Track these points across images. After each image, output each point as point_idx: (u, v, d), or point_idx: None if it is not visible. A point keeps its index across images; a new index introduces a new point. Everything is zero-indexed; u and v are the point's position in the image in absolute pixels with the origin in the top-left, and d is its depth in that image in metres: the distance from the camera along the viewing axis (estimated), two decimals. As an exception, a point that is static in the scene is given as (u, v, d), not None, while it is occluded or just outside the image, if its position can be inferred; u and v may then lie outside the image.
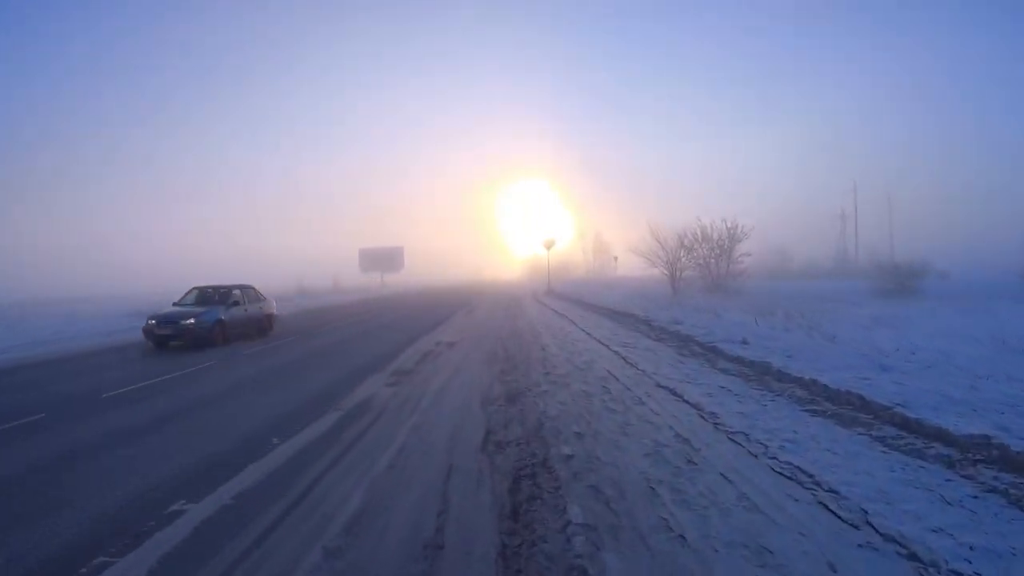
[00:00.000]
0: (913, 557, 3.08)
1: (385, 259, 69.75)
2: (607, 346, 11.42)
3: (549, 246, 30.78)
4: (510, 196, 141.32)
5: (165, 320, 13.16)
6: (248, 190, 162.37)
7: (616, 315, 17.67)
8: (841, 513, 3.57)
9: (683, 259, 29.17)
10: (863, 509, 3.60)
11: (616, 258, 46.03)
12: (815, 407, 5.99)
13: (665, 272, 29.68)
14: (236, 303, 14.70)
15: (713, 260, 28.66)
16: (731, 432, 5.24)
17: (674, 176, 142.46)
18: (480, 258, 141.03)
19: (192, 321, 13.08)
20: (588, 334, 13.48)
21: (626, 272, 65.87)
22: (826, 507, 3.66)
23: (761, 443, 4.89)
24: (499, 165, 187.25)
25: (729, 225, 28.29)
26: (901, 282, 25.72)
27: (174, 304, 14.88)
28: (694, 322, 14.14)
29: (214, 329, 13.33)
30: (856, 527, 3.41)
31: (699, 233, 28.97)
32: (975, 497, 3.75)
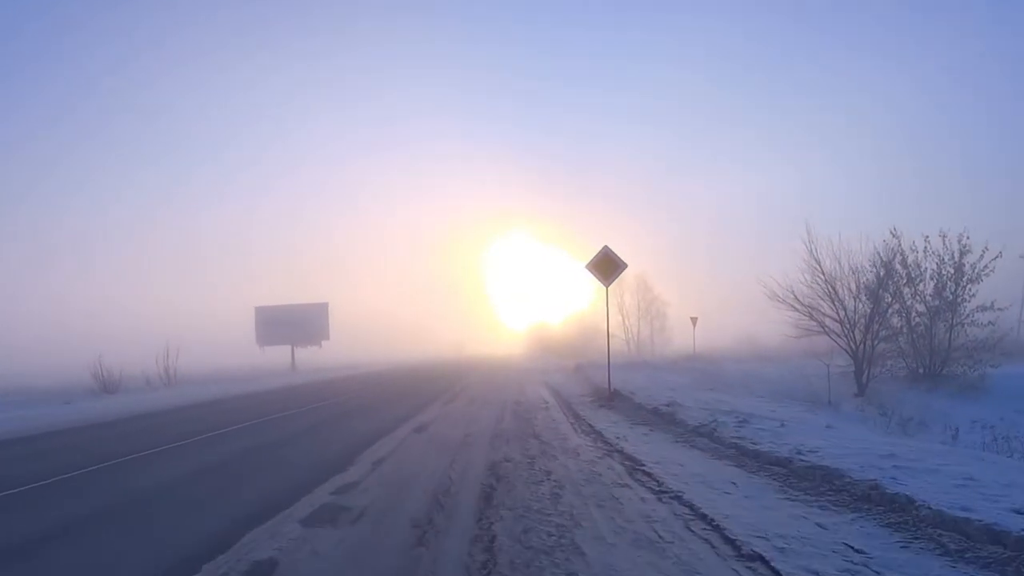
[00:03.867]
0: None
1: (296, 324, 46.47)
2: None
3: (604, 269, 13.05)
4: (500, 251, 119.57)
5: None
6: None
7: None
8: None
9: (876, 320, 16.48)
10: None
11: (695, 318, 31.85)
12: None
13: (841, 343, 16.92)
14: None
15: (926, 319, 15.49)
16: None
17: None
18: (461, 329, 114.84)
19: None
20: None
21: (684, 341, 48.70)
22: None
23: None
24: (480, 214, 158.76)
25: (954, 247, 15.38)
26: None
27: None
28: None
29: None
30: None
31: (901, 264, 16.50)
32: None
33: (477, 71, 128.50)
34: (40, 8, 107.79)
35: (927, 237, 20.58)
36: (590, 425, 9.89)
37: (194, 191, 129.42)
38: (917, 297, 20.87)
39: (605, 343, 59.27)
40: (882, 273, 19.41)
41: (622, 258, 12.91)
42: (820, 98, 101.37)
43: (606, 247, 13.13)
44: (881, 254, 20.32)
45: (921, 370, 20.88)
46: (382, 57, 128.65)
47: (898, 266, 20.18)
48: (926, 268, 20.48)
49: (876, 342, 20.02)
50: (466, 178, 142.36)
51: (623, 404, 12.16)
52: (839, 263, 19.90)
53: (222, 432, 10.60)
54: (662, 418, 9.93)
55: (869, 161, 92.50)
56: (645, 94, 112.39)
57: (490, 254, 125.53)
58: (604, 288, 13.17)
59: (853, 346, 19.99)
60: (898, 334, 20.75)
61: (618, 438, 8.41)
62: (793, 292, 19.84)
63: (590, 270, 13.02)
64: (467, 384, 21.27)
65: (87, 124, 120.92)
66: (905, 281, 20.12)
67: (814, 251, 20.08)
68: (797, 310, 19.87)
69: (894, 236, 20.51)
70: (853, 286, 20.15)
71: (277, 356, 48.61)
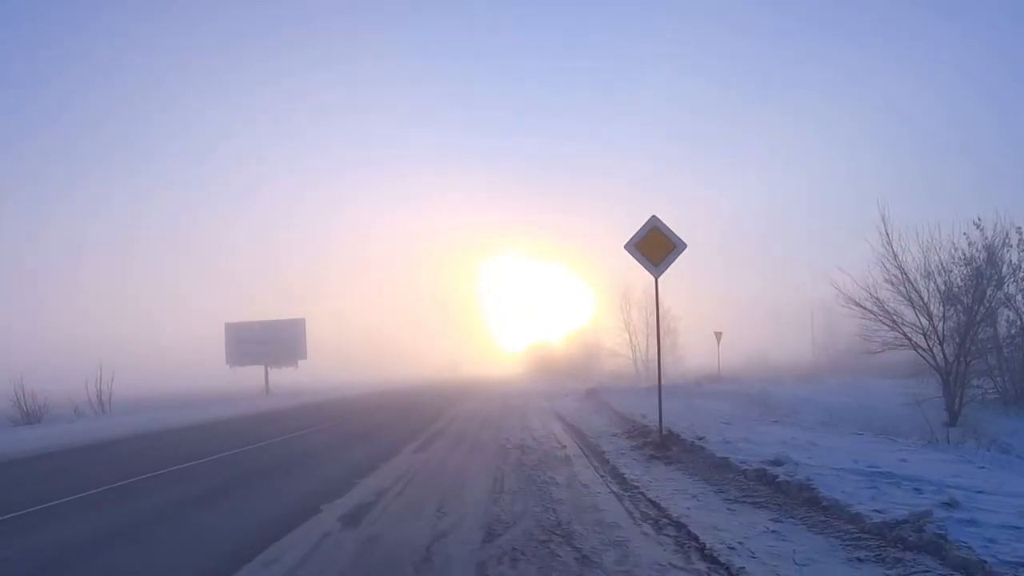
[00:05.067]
0: None
1: (271, 342, 41.87)
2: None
3: (653, 249, 9.14)
4: (495, 270, 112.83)
5: None
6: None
7: None
8: None
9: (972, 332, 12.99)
10: None
11: (719, 333, 27.79)
12: None
13: (929, 359, 13.03)
14: None
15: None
16: None
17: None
18: (456, 350, 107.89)
19: None
20: None
21: (697, 360, 43.86)
22: None
23: None
24: (474, 231, 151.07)
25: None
26: None
27: None
28: None
29: None
30: None
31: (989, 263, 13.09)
32: None
33: (472, 80, 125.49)
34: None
35: (1020, 228, 16.62)
36: (655, 505, 5.64)
37: (168, 200, 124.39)
38: (1010, 302, 16.90)
39: (609, 363, 54.41)
40: (982, 271, 15.29)
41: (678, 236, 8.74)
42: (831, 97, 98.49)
43: (654, 218, 8.98)
44: (967, 249, 16.27)
45: (1015, 391, 16.86)
46: (371, 68, 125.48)
47: (991, 264, 16.12)
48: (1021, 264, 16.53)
49: (969, 359, 15.90)
50: (460, 193, 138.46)
51: (689, 456, 7.87)
52: (923, 258, 15.78)
53: (80, 499, 6.40)
54: (785, 494, 5.66)
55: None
56: (645, 99, 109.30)
57: (485, 273, 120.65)
58: (652, 279, 8.96)
59: (942, 363, 15.84)
60: (992, 349, 16.67)
61: (744, 551, 4.19)
62: (874, 294, 15.67)
63: (632, 252, 8.86)
64: (457, 414, 16.97)
65: (59, 132, 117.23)
66: (1000, 283, 16.05)
67: (889, 242, 15.95)
68: (878, 318, 15.67)
69: (978, 227, 16.49)
70: (939, 288, 16.05)
71: (251, 377, 44.14)
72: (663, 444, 8.64)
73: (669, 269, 8.97)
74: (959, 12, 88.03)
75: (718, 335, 28.49)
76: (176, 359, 73.36)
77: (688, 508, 5.41)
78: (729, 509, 5.38)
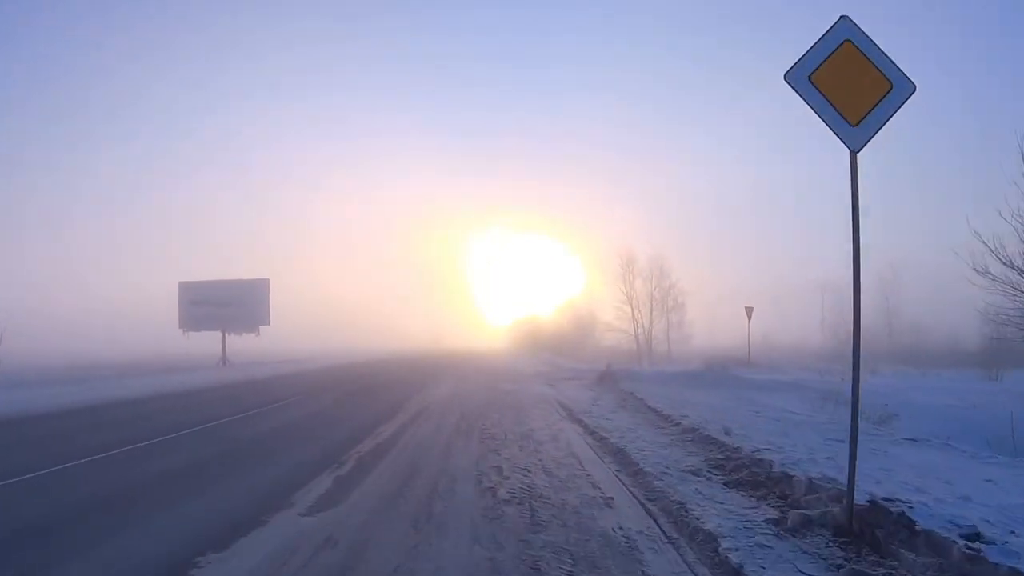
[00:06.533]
0: None
1: (230, 304, 36.39)
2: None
3: (847, 89, 3.93)
4: (481, 244, 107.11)
5: None
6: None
7: None
8: None
9: None
10: None
11: (750, 308, 22.95)
12: None
13: None
14: None
15: None
16: None
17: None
18: (441, 324, 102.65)
19: None
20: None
21: (704, 339, 38.32)
22: None
23: None
24: (458, 204, 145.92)
25: None
26: None
27: None
28: None
29: None
30: None
31: None
32: None
33: (452, 55, 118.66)
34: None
35: None
36: None
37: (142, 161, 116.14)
38: None
39: (605, 337, 49.43)
40: None
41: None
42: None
43: (845, 21, 3.95)
44: None
45: None
46: (355, 32, 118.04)
47: None
48: None
49: None
50: (447, 164, 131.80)
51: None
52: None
53: None
54: None
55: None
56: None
57: (472, 245, 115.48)
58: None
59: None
60: None
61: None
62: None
63: (804, 91, 3.86)
64: (424, 406, 12.04)
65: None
66: None
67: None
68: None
69: None
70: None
71: (209, 344, 38.84)
72: (863, 535, 3.74)
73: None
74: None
75: (749, 310, 23.59)
76: (127, 323, 67.55)
77: None
78: None
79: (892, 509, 3.92)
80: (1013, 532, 3.65)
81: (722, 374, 16.16)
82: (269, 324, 38.30)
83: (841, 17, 4.02)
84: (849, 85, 3.90)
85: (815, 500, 4.50)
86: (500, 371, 24.91)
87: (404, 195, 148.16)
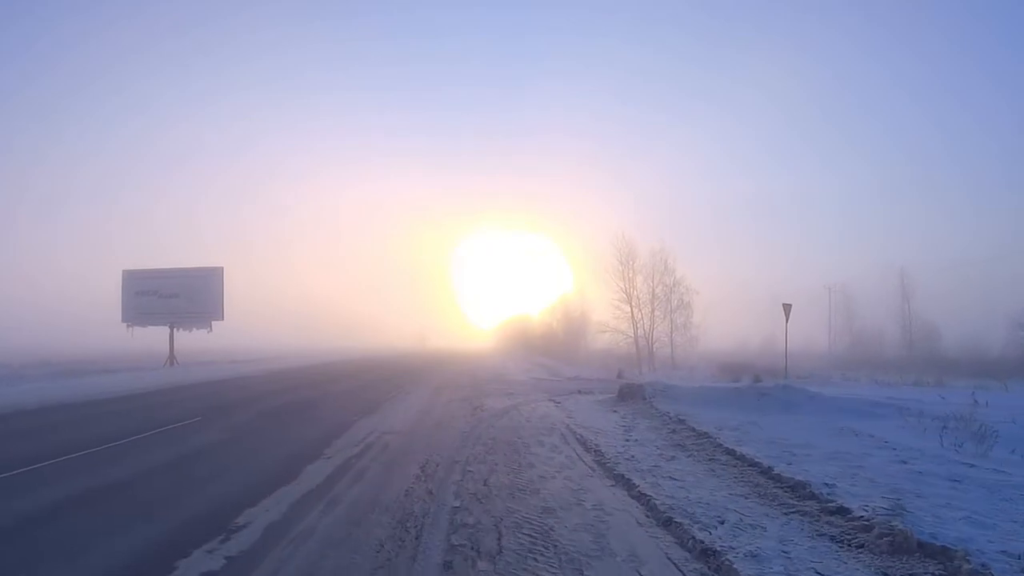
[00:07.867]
0: None
1: (179, 296, 32.53)
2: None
3: None
4: (468, 246, 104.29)
5: None
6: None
7: None
8: None
9: None
10: None
11: (788, 306, 19.12)
12: None
13: None
14: None
15: None
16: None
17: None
18: (425, 325, 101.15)
19: None
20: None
21: (713, 342, 33.88)
22: None
23: None
24: (445, 206, 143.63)
25: None
26: None
27: None
28: None
29: None
30: None
31: None
32: None
33: (439, 52, 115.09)
34: None
35: None
36: None
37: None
38: None
39: (599, 339, 45.48)
40: None
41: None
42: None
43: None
44: None
45: None
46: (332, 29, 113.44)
47: None
48: None
49: None
50: (432, 165, 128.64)
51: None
52: None
53: None
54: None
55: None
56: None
57: (459, 246, 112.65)
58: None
59: None
60: None
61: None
62: None
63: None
64: (379, 435, 8.11)
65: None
66: None
67: None
68: None
69: None
70: None
71: (156, 340, 34.33)
72: None
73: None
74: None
75: (786, 308, 19.82)
76: (73, 318, 62.92)
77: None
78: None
79: None
80: None
81: (786, 391, 12.32)
82: (222, 319, 33.80)
83: None
84: None
85: None
86: (488, 379, 20.92)
87: (390, 192, 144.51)
